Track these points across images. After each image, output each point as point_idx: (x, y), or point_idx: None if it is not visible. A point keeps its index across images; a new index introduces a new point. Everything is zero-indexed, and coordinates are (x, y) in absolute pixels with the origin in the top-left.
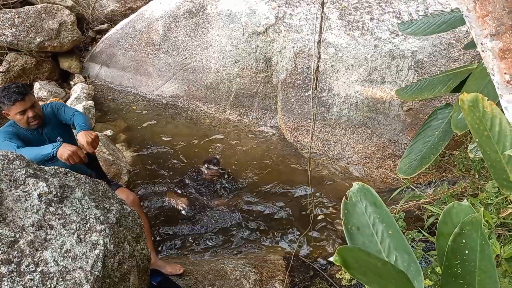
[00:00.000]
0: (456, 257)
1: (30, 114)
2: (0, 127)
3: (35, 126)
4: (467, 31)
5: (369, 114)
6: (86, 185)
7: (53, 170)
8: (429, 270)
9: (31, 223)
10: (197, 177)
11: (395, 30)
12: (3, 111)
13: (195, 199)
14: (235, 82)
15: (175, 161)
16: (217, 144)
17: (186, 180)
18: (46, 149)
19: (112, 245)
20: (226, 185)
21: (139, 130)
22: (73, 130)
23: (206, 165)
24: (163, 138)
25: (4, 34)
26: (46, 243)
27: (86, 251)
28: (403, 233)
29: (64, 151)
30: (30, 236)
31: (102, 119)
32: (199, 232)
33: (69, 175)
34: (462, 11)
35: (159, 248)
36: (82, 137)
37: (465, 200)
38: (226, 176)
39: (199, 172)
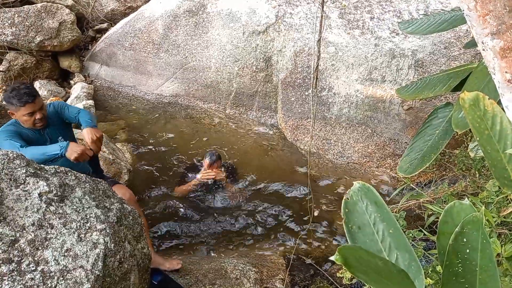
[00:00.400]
0: (457, 256)
1: (38, 116)
2: (0, 126)
3: (40, 127)
4: (467, 30)
5: (370, 113)
6: (87, 184)
7: (54, 169)
8: (430, 269)
9: (32, 222)
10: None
11: (396, 29)
12: (8, 111)
13: (195, 198)
14: (235, 81)
15: (175, 160)
16: (217, 143)
17: (186, 177)
18: (53, 149)
19: (112, 244)
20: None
21: (139, 129)
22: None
23: (208, 158)
24: (163, 137)
25: (4, 33)
26: (47, 242)
27: (87, 250)
28: (404, 232)
29: (73, 152)
30: (31, 235)
31: (102, 118)
32: (199, 231)
33: (69, 174)
34: (463, 10)
35: (159, 247)
36: (87, 134)
37: (466, 199)
38: (231, 174)
39: (199, 167)
